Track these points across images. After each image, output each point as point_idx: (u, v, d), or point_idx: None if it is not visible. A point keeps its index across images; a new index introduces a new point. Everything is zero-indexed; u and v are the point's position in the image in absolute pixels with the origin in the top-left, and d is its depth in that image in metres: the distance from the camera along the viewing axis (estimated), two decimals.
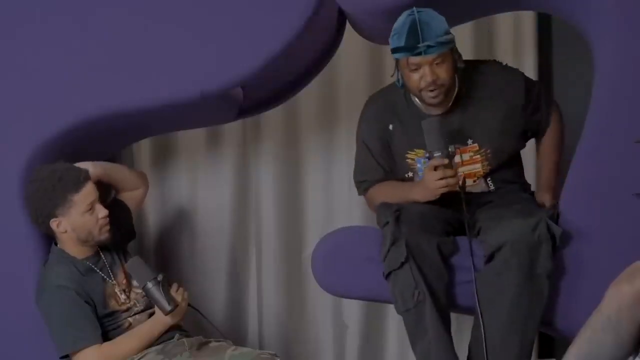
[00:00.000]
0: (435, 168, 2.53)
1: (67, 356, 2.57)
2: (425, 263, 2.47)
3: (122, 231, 2.79)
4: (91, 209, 2.59)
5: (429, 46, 2.46)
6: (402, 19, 2.49)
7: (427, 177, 2.56)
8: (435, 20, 2.48)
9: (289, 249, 3.46)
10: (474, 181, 2.69)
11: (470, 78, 2.65)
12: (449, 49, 2.52)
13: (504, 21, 3.43)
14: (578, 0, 2.55)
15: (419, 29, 2.45)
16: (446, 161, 2.52)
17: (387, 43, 3.10)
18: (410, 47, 2.47)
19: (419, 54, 2.48)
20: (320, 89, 3.36)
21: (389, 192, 2.70)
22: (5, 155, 2.71)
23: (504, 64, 2.76)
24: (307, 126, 3.43)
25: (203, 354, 2.57)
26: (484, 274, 2.48)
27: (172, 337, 2.61)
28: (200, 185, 3.43)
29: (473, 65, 2.70)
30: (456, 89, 2.63)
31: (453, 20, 2.59)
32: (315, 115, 3.44)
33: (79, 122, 2.72)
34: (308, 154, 3.44)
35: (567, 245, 2.52)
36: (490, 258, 2.48)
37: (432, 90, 2.53)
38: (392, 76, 2.64)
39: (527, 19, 3.43)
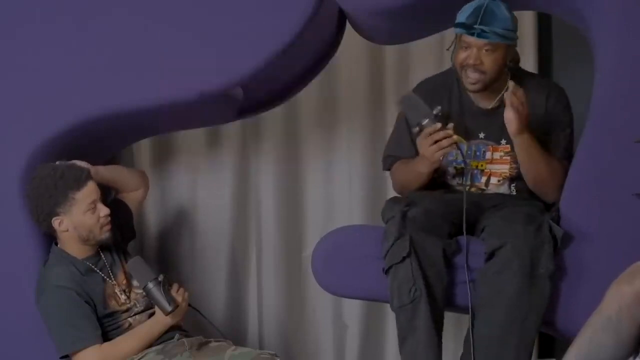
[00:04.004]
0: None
1: (67, 356, 2.57)
2: (427, 262, 2.47)
3: (122, 231, 2.79)
4: (93, 207, 2.59)
5: (483, 31, 2.51)
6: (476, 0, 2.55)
7: (422, 147, 2.55)
8: (501, 13, 2.53)
9: (289, 248, 3.46)
10: (499, 181, 2.70)
11: (522, 85, 2.63)
12: (504, 43, 2.55)
13: None
14: (579, 0, 2.55)
15: (482, 12, 2.51)
16: (438, 125, 2.50)
17: (387, 43, 3.12)
18: (467, 25, 2.53)
19: (472, 34, 2.52)
20: (320, 89, 3.37)
21: (403, 169, 2.72)
22: (6, 155, 2.71)
23: (560, 89, 2.73)
24: (307, 126, 3.44)
25: (203, 354, 2.57)
26: (484, 272, 2.48)
27: (172, 337, 2.61)
28: (200, 185, 3.43)
29: (528, 74, 2.73)
30: (505, 88, 2.62)
31: (453, 20, 2.59)
32: (315, 116, 3.44)
33: (79, 122, 2.72)
34: (308, 153, 3.45)
35: (568, 245, 2.52)
36: (490, 256, 2.48)
37: (472, 72, 2.57)
38: (447, 49, 2.67)
39: (527, 19, 3.43)
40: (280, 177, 3.43)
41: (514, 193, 2.72)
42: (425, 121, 2.51)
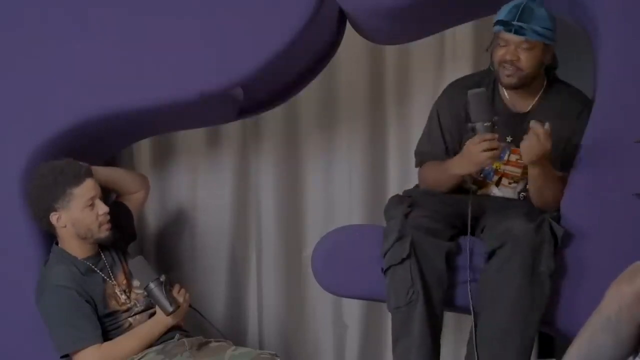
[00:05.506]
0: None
1: (67, 356, 2.57)
2: (427, 265, 2.47)
3: (123, 233, 2.79)
4: (91, 204, 2.59)
5: (521, 27, 2.52)
6: None
7: (474, 150, 2.50)
8: (539, 12, 2.54)
9: (289, 248, 3.45)
10: (509, 183, 2.69)
11: (557, 94, 2.66)
12: (542, 42, 2.55)
13: None
14: (579, 0, 2.55)
15: (520, 9, 2.52)
16: (496, 135, 2.49)
17: (387, 43, 3.11)
18: (505, 22, 2.54)
19: (510, 31, 2.53)
20: (320, 89, 3.36)
21: (434, 170, 2.69)
22: (6, 155, 2.72)
23: (592, 105, 2.67)
24: (307, 126, 3.43)
25: (203, 354, 2.57)
26: (485, 271, 2.49)
27: (173, 337, 2.61)
28: (200, 185, 3.43)
29: (565, 83, 2.71)
30: (540, 92, 2.64)
31: (453, 20, 2.59)
32: (315, 116, 3.43)
33: (79, 122, 2.72)
34: (308, 154, 3.44)
35: (568, 245, 2.52)
36: (491, 255, 2.48)
37: (508, 68, 2.57)
38: (487, 50, 2.67)
39: None
40: (280, 177, 3.43)
41: (521, 199, 2.70)
42: (487, 124, 2.48)
